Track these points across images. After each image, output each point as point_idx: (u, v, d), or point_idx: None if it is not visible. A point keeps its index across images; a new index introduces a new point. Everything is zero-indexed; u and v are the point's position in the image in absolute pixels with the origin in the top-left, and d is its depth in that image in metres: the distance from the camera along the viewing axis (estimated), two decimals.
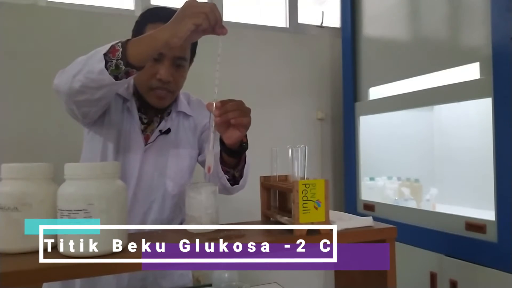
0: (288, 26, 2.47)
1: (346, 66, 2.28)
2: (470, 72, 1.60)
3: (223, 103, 0.85)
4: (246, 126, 0.90)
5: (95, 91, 0.89)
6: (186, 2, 0.82)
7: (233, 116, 0.85)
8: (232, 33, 2.30)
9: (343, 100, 2.29)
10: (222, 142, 0.95)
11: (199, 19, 0.80)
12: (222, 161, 1.00)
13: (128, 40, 0.85)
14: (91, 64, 0.85)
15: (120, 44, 0.84)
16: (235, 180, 1.04)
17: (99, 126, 1.10)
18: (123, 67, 0.83)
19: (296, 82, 2.40)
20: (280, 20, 2.48)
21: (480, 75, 1.54)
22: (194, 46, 1.16)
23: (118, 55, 0.83)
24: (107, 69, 0.82)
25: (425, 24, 1.83)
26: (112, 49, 0.83)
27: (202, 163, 1.18)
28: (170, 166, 1.14)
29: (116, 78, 0.84)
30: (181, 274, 1.23)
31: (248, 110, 0.89)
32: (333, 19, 2.59)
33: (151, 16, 1.09)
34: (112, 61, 0.83)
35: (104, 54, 0.83)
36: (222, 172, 1.00)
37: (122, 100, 1.13)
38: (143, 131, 1.13)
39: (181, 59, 1.09)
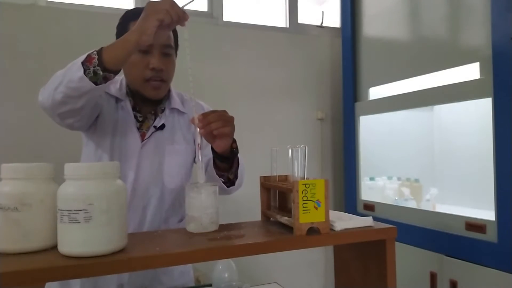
0: (288, 26, 2.47)
1: (346, 66, 2.28)
2: (470, 72, 1.60)
3: (205, 115, 0.90)
4: (229, 135, 0.95)
5: (77, 100, 0.94)
6: (147, 3, 0.89)
7: (216, 126, 0.90)
8: (232, 33, 2.30)
9: (343, 100, 2.29)
10: (213, 149, 0.99)
11: (160, 15, 0.86)
12: (215, 166, 1.04)
13: (102, 48, 0.90)
14: (70, 74, 0.90)
15: (95, 52, 0.89)
16: (230, 182, 1.07)
17: (92, 132, 1.15)
18: (101, 73, 0.89)
19: (296, 82, 2.40)
20: (280, 20, 2.48)
21: (480, 75, 1.54)
22: (176, 37, 1.20)
23: (95, 62, 0.88)
24: (86, 76, 0.88)
25: (425, 24, 1.83)
26: (89, 58, 0.89)
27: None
28: (166, 161, 1.17)
29: (96, 84, 0.90)
30: (181, 271, 1.24)
31: (231, 119, 0.94)
32: (333, 19, 2.59)
33: (132, 15, 1.14)
34: (89, 69, 0.89)
35: (82, 63, 0.88)
36: (217, 176, 1.04)
37: (115, 100, 1.17)
38: (138, 128, 1.17)
39: (168, 47, 1.14)
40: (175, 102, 1.23)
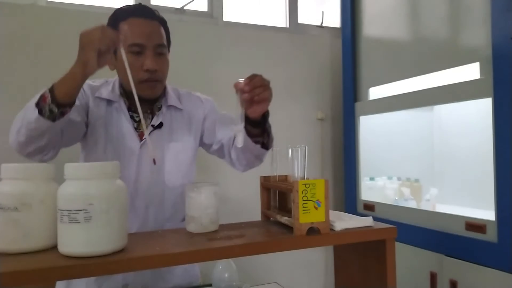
0: (288, 26, 2.48)
1: (346, 66, 2.28)
2: (470, 72, 1.60)
3: (250, 78, 0.91)
4: (269, 99, 0.96)
5: (40, 139, 0.95)
6: (80, 34, 0.88)
7: (259, 91, 0.91)
8: (232, 33, 2.31)
9: (343, 100, 2.29)
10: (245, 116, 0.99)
11: (95, 44, 0.86)
12: (248, 133, 1.03)
13: (53, 85, 0.91)
14: (27, 116, 0.92)
15: (47, 91, 0.90)
16: (264, 145, 1.07)
17: (85, 141, 1.15)
18: (56, 109, 0.90)
19: (296, 82, 2.40)
20: (280, 20, 2.48)
21: (480, 75, 1.54)
22: (168, 35, 1.19)
23: (49, 100, 0.90)
24: (43, 116, 0.89)
25: (425, 24, 1.83)
26: (42, 97, 0.90)
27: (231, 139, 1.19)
28: (167, 160, 1.17)
29: (54, 120, 0.91)
30: (185, 269, 1.23)
31: (268, 83, 0.95)
32: (333, 19, 2.59)
33: (122, 14, 1.12)
34: (45, 108, 0.90)
35: (37, 104, 0.90)
36: (253, 144, 1.04)
37: (105, 103, 1.16)
38: (136, 128, 1.16)
39: (161, 46, 1.13)
40: (172, 99, 1.22)
